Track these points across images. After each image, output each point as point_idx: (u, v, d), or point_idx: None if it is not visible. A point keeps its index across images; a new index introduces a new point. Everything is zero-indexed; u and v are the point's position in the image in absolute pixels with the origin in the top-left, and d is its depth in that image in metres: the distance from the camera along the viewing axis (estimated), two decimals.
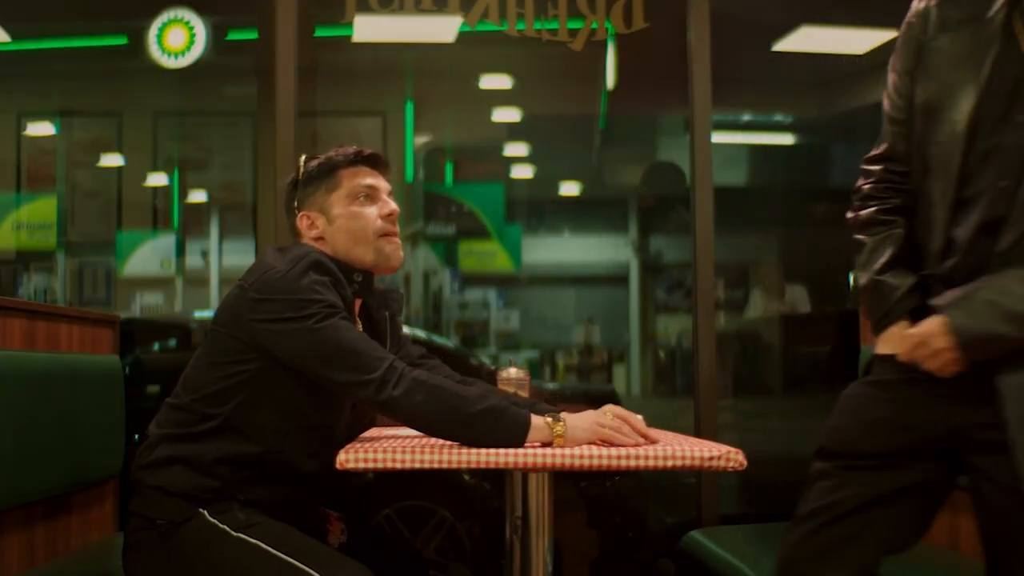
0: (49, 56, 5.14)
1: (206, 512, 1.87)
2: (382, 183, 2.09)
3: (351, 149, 2.09)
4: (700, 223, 3.08)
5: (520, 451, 1.73)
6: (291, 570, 1.78)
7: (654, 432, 1.98)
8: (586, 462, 1.70)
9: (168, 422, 1.96)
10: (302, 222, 2.06)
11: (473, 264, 6.23)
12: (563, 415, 1.83)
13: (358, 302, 2.06)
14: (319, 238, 2.05)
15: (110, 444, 2.64)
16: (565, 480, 2.04)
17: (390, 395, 1.77)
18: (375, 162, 2.09)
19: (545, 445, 1.77)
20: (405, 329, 2.43)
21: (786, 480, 4.03)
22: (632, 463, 1.72)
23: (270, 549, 1.82)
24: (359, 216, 2.03)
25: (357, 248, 2.03)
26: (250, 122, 4.95)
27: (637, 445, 1.79)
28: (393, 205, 2.07)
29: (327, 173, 2.06)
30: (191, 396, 1.95)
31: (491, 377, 2.32)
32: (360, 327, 2.06)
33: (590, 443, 1.79)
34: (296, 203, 2.07)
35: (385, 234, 2.04)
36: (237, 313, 1.92)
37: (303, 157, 2.11)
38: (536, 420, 1.78)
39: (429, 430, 1.81)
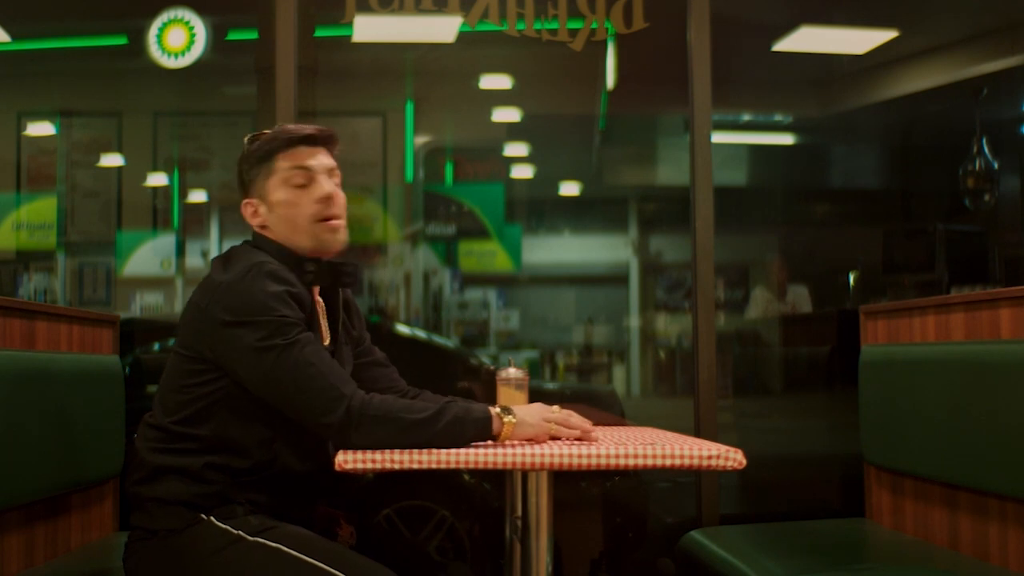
0: (49, 56, 5.14)
1: (213, 518, 1.86)
2: (322, 162, 2.00)
3: (289, 130, 2.01)
4: (700, 223, 3.08)
5: (520, 451, 1.74)
6: (313, 571, 1.77)
7: (654, 432, 1.99)
8: (586, 462, 1.71)
9: (152, 439, 1.93)
10: (245, 210, 2.02)
11: (473, 264, 6.23)
12: (514, 408, 1.85)
13: (316, 288, 2.03)
14: (262, 226, 2.01)
15: (110, 444, 2.64)
16: (565, 480, 2.04)
17: (351, 440, 1.77)
18: (312, 141, 2.01)
19: (493, 437, 1.81)
20: (405, 329, 2.42)
21: (786, 480, 4.05)
22: (632, 463, 1.72)
23: (293, 552, 1.80)
24: (293, 203, 1.97)
25: (295, 236, 1.98)
26: (250, 122, 4.95)
27: (585, 433, 1.86)
28: (328, 187, 1.98)
29: (264, 158, 2.00)
30: (169, 419, 1.91)
31: (491, 377, 2.33)
32: (322, 311, 2.05)
33: (537, 439, 1.82)
34: (243, 187, 2.04)
35: (323, 219, 1.98)
36: (197, 333, 1.89)
37: (247, 137, 2.05)
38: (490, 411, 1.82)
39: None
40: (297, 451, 1.92)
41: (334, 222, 1.99)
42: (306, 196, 1.97)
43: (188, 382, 1.91)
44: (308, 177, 1.98)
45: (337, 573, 1.76)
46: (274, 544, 1.82)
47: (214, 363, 1.88)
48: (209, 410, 1.89)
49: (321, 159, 2.01)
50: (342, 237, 2.00)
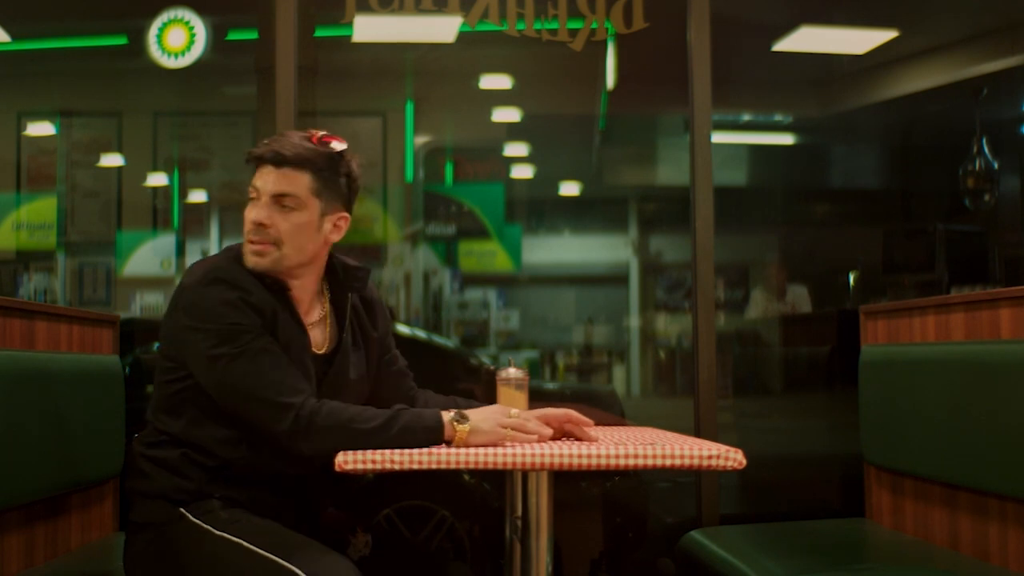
0: (49, 56, 5.14)
1: (189, 514, 1.89)
2: (272, 183, 1.95)
3: (258, 145, 1.99)
4: (700, 223, 3.08)
5: (520, 451, 1.74)
6: (269, 565, 1.78)
7: (654, 432, 1.98)
8: (586, 462, 1.71)
9: (143, 435, 2.01)
10: None
11: (473, 264, 6.23)
12: (470, 413, 1.85)
13: (295, 292, 2.01)
14: None
15: (110, 444, 2.64)
16: (565, 480, 2.04)
17: (301, 448, 1.80)
18: (261, 159, 1.98)
19: (446, 442, 1.81)
20: (405, 329, 2.42)
21: (786, 480, 4.05)
22: (632, 463, 1.72)
23: (249, 546, 1.82)
24: (244, 218, 1.99)
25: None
26: (250, 122, 4.95)
27: (541, 440, 1.84)
28: (255, 214, 1.95)
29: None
30: (152, 416, 1.99)
31: (491, 377, 2.33)
32: (317, 315, 2.05)
33: (493, 444, 1.81)
34: None
35: (249, 240, 1.97)
36: (167, 333, 1.97)
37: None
38: (444, 417, 1.83)
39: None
40: (266, 450, 1.92)
41: (255, 247, 1.96)
42: (247, 214, 1.98)
43: (164, 379, 1.97)
44: (254, 196, 1.98)
45: (291, 567, 1.76)
46: (235, 539, 1.84)
47: (180, 362, 1.94)
48: (181, 407, 1.94)
49: (272, 181, 1.95)
50: (261, 263, 1.95)
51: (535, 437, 1.84)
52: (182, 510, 1.89)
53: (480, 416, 1.85)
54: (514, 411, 1.89)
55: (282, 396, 1.82)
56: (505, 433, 1.83)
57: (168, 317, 1.97)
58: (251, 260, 1.95)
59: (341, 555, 1.83)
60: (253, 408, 1.85)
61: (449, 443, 1.81)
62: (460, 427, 1.81)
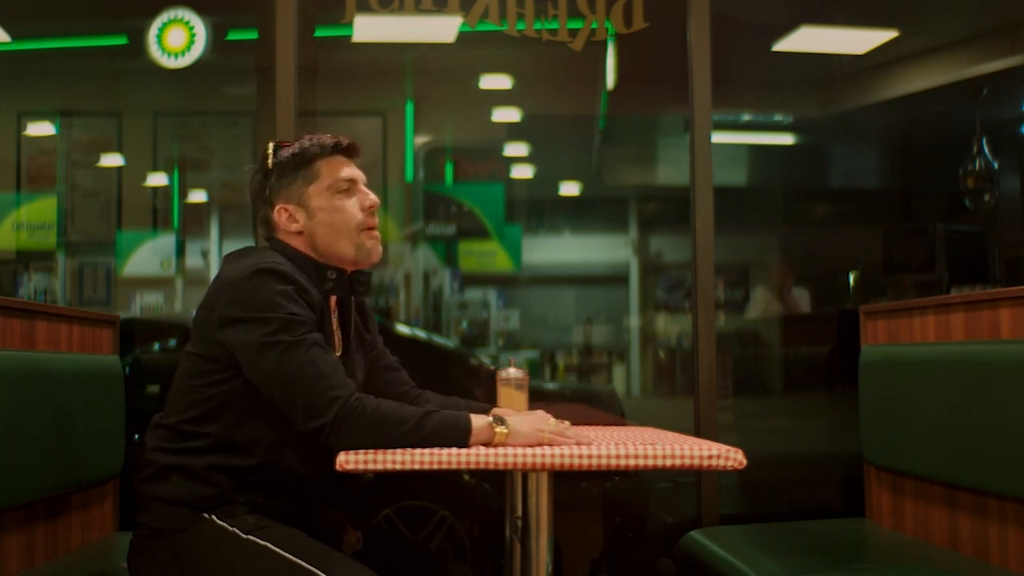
0: (49, 56, 5.14)
1: (214, 516, 1.87)
2: (359, 173, 2.06)
3: (327, 138, 2.04)
4: (700, 223, 3.08)
5: (520, 451, 1.74)
6: (302, 573, 1.78)
7: (654, 432, 1.98)
8: (586, 462, 1.71)
9: (160, 438, 1.95)
10: (280, 216, 2.01)
11: (473, 264, 6.23)
12: (506, 416, 1.86)
13: (333, 298, 2.04)
14: (298, 232, 2.01)
15: (110, 444, 2.64)
16: (565, 480, 2.04)
17: (335, 441, 1.78)
18: (351, 151, 2.06)
19: (487, 445, 1.80)
20: (405, 329, 2.43)
21: (786, 480, 4.05)
22: (632, 463, 1.72)
23: (281, 552, 1.81)
24: (341, 210, 2.00)
25: (339, 242, 2.01)
26: (250, 122, 4.95)
27: (579, 444, 1.82)
28: (373, 197, 2.04)
29: (304, 164, 2.01)
30: (178, 418, 1.93)
31: (491, 377, 2.33)
32: (335, 321, 2.06)
33: (530, 445, 1.81)
34: (269, 194, 2.03)
35: (367, 228, 2.02)
36: (205, 333, 1.91)
37: (271, 145, 2.05)
38: (479, 421, 1.81)
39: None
40: (302, 454, 1.93)
41: (376, 231, 2.03)
42: (352, 204, 2.01)
43: (198, 382, 1.92)
44: (352, 185, 2.02)
45: (320, 574, 1.77)
46: (263, 543, 1.83)
47: (224, 362, 1.89)
48: (218, 410, 1.91)
49: (357, 171, 2.06)
50: (380, 248, 2.04)
51: (573, 441, 1.84)
52: (205, 515, 1.87)
53: (517, 421, 1.85)
54: (553, 420, 1.91)
55: (332, 390, 1.80)
56: (543, 437, 1.83)
57: (204, 316, 1.92)
58: (379, 250, 2.03)
59: (369, 569, 1.83)
60: (299, 399, 1.80)
61: (487, 445, 1.81)
62: (499, 429, 1.81)
